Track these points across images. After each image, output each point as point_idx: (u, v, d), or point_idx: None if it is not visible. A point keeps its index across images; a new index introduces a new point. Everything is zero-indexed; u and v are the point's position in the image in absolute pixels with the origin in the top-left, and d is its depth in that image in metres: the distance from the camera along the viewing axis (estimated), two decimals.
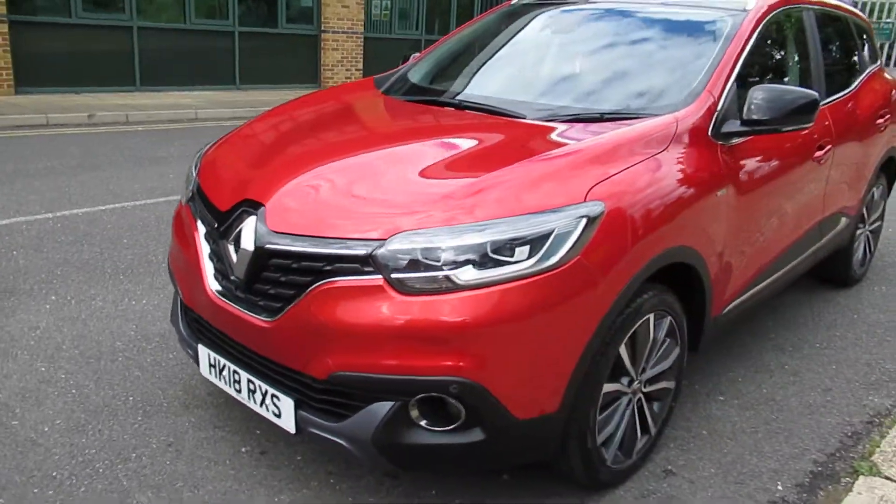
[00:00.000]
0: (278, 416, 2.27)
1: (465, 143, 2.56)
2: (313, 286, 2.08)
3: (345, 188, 2.27)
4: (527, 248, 2.02)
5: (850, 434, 2.94)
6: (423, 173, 2.30)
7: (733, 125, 2.70)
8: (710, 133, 2.65)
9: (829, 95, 3.63)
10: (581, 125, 2.60)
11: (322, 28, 14.32)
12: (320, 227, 2.14)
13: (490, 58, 3.51)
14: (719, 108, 2.70)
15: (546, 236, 2.03)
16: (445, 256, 2.00)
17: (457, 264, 2.00)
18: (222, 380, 2.46)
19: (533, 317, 2.02)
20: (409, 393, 2.05)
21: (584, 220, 2.08)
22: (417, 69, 3.55)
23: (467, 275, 1.99)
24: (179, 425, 2.79)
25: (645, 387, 2.54)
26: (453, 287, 1.99)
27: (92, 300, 3.85)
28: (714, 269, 2.68)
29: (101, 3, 11.37)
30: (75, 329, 3.52)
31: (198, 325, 2.58)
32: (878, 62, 4.54)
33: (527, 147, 2.44)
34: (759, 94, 2.66)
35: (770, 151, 2.97)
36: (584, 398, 2.22)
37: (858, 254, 4.47)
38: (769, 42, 3.26)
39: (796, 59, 3.50)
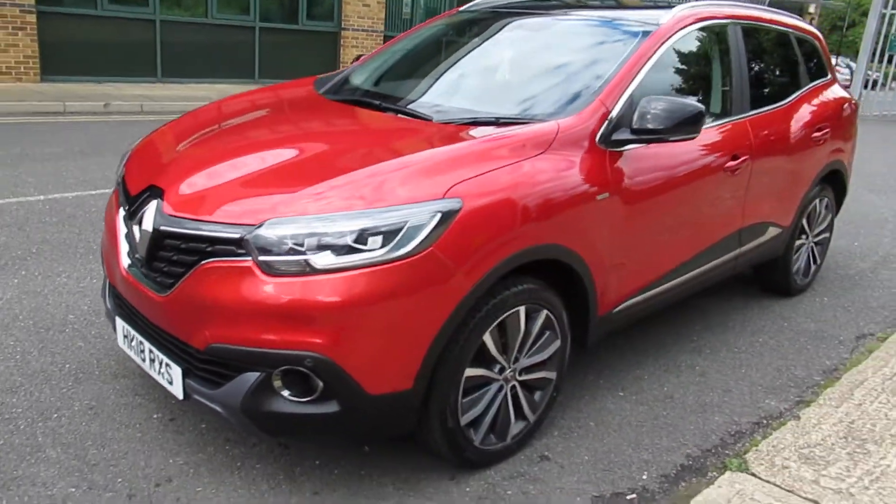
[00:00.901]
0: (170, 383, 2.51)
1: (362, 142, 2.78)
2: (197, 265, 2.32)
3: (236, 178, 2.50)
4: (380, 237, 2.22)
5: (733, 433, 3.06)
6: (306, 166, 2.52)
7: (624, 133, 2.86)
8: (598, 140, 2.82)
9: (753, 108, 3.74)
10: (476, 128, 2.79)
11: (343, 25, 14.65)
12: (207, 213, 2.38)
13: (422, 62, 3.73)
14: (612, 116, 2.86)
15: (399, 228, 2.23)
16: (308, 242, 2.22)
17: (316, 249, 2.21)
18: (132, 350, 2.70)
19: (383, 301, 2.22)
20: (271, 365, 2.27)
21: (438, 215, 2.27)
22: (358, 71, 3.77)
23: (325, 260, 2.20)
24: (104, 392, 3.05)
25: (520, 375, 2.72)
26: (312, 271, 2.20)
27: (57, 276, 4.15)
28: (597, 268, 2.84)
29: None
30: (35, 302, 3.81)
31: (118, 300, 2.83)
32: (828, 76, 4.60)
33: (413, 146, 2.63)
34: (646, 105, 2.82)
35: (666, 160, 3.11)
36: (443, 380, 2.40)
37: (800, 264, 4.55)
38: (681, 56, 3.40)
39: (713, 72, 3.62)
